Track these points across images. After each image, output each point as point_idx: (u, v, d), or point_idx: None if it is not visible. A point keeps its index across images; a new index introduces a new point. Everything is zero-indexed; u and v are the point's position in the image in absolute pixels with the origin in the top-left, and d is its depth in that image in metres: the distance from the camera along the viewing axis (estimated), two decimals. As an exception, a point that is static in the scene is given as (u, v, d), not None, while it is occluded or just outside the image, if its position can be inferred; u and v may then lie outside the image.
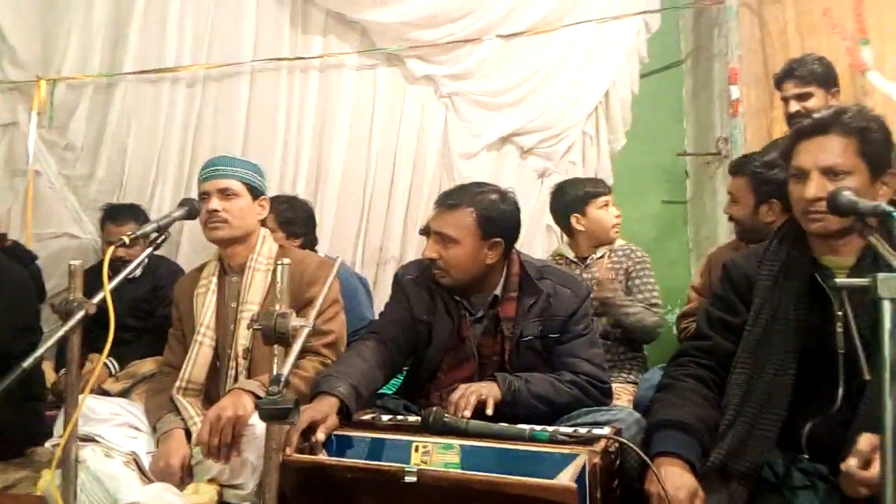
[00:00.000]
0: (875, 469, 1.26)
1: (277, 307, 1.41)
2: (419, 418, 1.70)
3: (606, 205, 2.82)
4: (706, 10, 3.90)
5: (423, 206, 3.69)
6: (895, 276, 1.12)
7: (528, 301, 1.93)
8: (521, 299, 1.94)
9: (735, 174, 2.31)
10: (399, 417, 1.84)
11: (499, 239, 1.93)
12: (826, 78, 2.66)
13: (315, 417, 1.61)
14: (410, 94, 3.86)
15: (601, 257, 2.80)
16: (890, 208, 1.30)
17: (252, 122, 3.75)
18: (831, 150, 1.52)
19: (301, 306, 1.84)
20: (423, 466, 1.48)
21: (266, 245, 2.12)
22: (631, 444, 1.52)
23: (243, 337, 1.98)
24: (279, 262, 1.46)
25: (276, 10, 3.78)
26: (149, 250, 1.73)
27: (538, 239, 3.85)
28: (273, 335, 1.38)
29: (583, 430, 1.61)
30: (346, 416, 1.72)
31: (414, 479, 1.41)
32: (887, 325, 1.11)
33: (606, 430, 1.60)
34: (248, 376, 1.96)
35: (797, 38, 3.24)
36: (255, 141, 3.72)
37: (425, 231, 2.02)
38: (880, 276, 1.11)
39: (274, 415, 1.23)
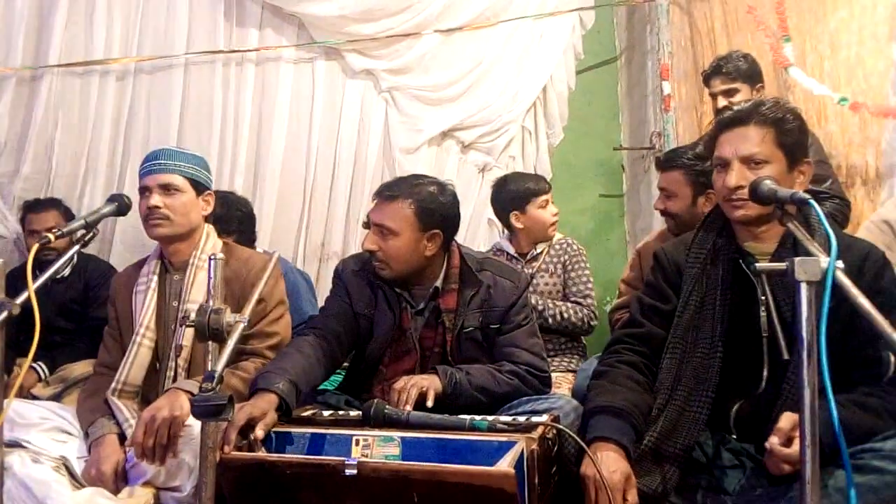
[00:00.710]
0: (796, 446, 1.32)
1: (212, 303, 1.38)
2: (360, 412, 1.70)
3: (546, 203, 2.85)
4: (638, 7, 4.01)
5: (364, 201, 3.68)
6: (812, 259, 1.17)
7: (468, 293, 1.94)
8: (461, 291, 1.95)
9: (667, 168, 2.34)
10: (340, 412, 1.83)
11: (438, 231, 1.93)
12: (751, 74, 2.76)
13: (253, 414, 1.58)
14: (350, 88, 3.83)
15: (540, 253, 2.84)
16: (806, 196, 1.36)
17: (186, 115, 3.65)
18: (751, 140, 1.58)
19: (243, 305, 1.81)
20: (363, 459, 1.48)
21: (210, 242, 2.06)
22: (568, 431, 1.55)
23: (182, 337, 1.93)
24: (212, 257, 1.42)
25: (211, 2, 3.69)
26: (76, 248, 1.67)
27: (480, 233, 3.88)
28: (207, 331, 1.36)
29: (522, 419, 1.63)
30: (285, 412, 1.69)
31: (354, 471, 1.41)
32: (804, 306, 1.16)
33: (545, 418, 1.63)
34: (188, 377, 1.92)
35: (724, 35, 3.36)
36: (190, 135, 3.62)
37: (368, 224, 2.01)
38: (797, 259, 1.16)
39: (208, 411, 1.21)
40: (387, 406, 1.65)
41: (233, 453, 1.50)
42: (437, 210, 1.93)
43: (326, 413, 1.81)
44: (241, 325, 1.37)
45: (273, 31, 3.79)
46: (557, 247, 2.86)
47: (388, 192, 1.94)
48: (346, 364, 2.14)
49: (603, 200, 4.21)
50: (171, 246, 2.02)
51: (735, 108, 1.67)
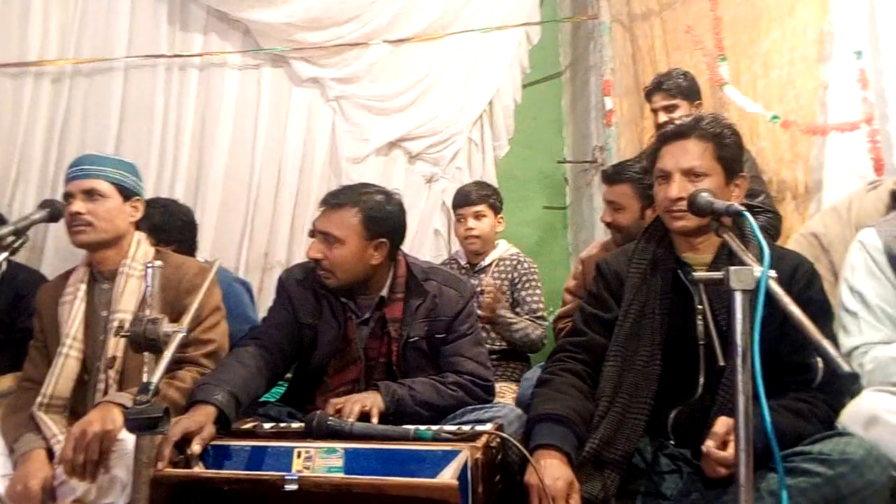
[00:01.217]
0: (731, 449, 1.36)
1: (148, 312, 1.34)
2: (302, 424, 1.67)
3: (462, 218, 2.89)
4: (583, 24, 4.11)
5: (310, 211, 3.64)
6: (746, 269, 1.21)
7: (414, 302, 1.94)
8: (407, 300, 1.94)
9: (615, 182, 2.38)
10: (282, 424, 1.79)
11: (384, 239, 1.93)
12: (690, 91, 2.85)
13: (189, 428, 1.53)
14: (297, 96, 3.80)
15: (489, 265, 2.85)
16: (741, 207, 1.41)
17: (126, 120, 3.56)
18: (691, 153, 1.63)
19: (178, 316, 1.75)
20: (304, 473, 1.45)
21: (141, 249, 2.00)
22: (511, 439, 1.56)
23: (113, 348, 1.86)
24: (148, 265, 1.38)
25: (153, 4, 3.62)
26: (4, 255, 1.60)
27: (427, 244, 3.89)
28: (143, 342, 1.31)
29: (466, 428, 1.63)
30: (224, 425, 1.65)
31: (295, 486, 1.38)
32: (738, 314, 1.20)
33: (489, 427, 1.63)
34: (120, 390, 1.85)
35: (664, 53, 3.46)
36: (129, 140, 3.54)
37: (313, 233, 1.99)
38: (732, 269, 1.20)
39: (142, 425, 1.17)
40: (330, 417, 1.62)
41: (166, 470, 1.45)
42: (383, 218, 1.93)
43: (268, 425, 1.77)
44: (180, 336, 1.33)
45: (218, 37, 3.74)
46: (507, 261, 2.86)
47: (335, 200, 1.93)
48: (289, 375, 2.10)
49: (547, 212, 4.28)
50: (97, 254, 1.96)
51: (677, 122, 1.72)
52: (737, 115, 2.90)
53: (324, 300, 1.96)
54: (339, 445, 1.52)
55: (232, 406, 1.67)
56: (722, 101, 3.04)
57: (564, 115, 4.38)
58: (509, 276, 2.81)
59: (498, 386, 2.62)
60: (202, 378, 1.79)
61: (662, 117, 2.84)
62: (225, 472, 1.50)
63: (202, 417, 1.59)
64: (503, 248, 2.92)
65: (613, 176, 2.38)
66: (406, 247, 3.67)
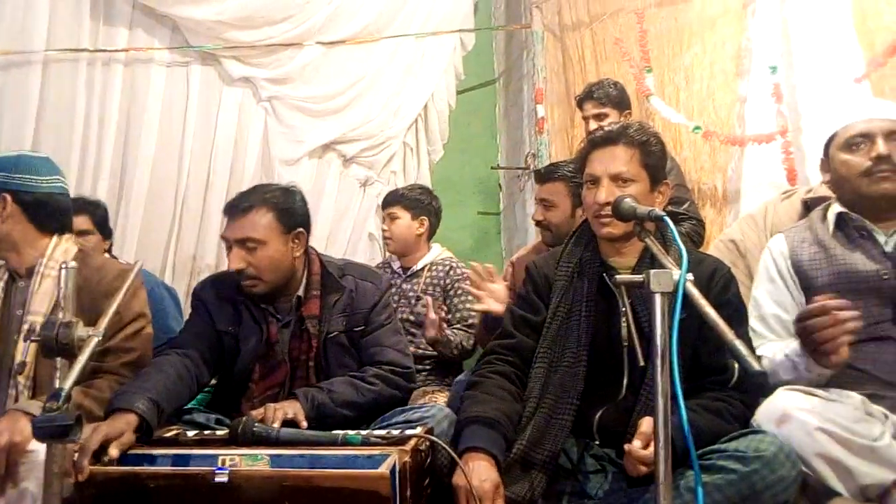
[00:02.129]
0: (652, 448, 1.40)
1: (61, 315, 1.27)
2: (227, 431, 1.62)
3: (384, 219, 2.90)
4: (516, 33, 4.17)
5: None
6: (665, 272, 1.24)
7: (332, 298, 1.94)
8: (324, 297, 1.94)
9: (547, 181, 2.42)
10: (206, 432, 1.74)
11: (301, 229, 1.93)
12: (620, 100, 2.94)
13: (109, 434, 1.47)
14: (227, 95, 3.72)
15: (421, 270, 2.84)
16: (661, 213, 1.45)
17: (44, 116, 3.41)
18: (619, 159, 1.68)
19: (97, 320, 1.67)
20: (234, 468, 1.42)
21: (60, 248, 1.90)
22: (440, 442, 1.56)
23: (22, 352, 1.76)
24: (63, 266, 1.32)
25: (75, -4, 3.47)
26: None
27: (361, 247, 3.87)
28: (55, 347, 1.25)
29: (396, 432, 1.62)
30: (146, 434, 1.59)
31: (225, 478, 1.36)
32: (658, 315, 1.23)
33: (419, 430, 1.63)
34: (33, 397, 1.75)
35: (594, 63, 3.56)
36: (48, 137, 3.39)
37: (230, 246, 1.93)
38: (652, 272, 1.23)
39: (51, 433, 1.11)
40: (256, 423, 1.59)
41: (90, 467, 1.40)
42: (294, 209, 1.94)
43: (191, 433, 1.72)
44: (95, 340, 1.27)
45: (144, 32, 3.63)
46: (440, 266, 2.84)
47: (243, 205, 1.90)
48: (213, 382, 2.05)
49: (481, 218, 4.32)
50: (6, 253, 1.86)
51: (605, 129, 1.77)
52: (661, 126, 3.01)
53: (242, 307, 1.94)
54: (265, 452, 1.49)
55: (154, 414, 1.61)
56: (648, 111, 3.15)
57: (498, 122, 4.44)
58: (441, 281, 2.80)
59: (431, 390, 2.63)
60: (121, 387, 1.72)
61: (593, 125, 2.90)
62: (152, 469, 1.46)
63: (122, 425, 1.53)
64: (436, 253, 2.90)
65: (546, 174, 2.42)
66: (340, 251, 3.70)
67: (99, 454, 1.46)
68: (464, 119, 4.22)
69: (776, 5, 2.73)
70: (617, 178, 1.67)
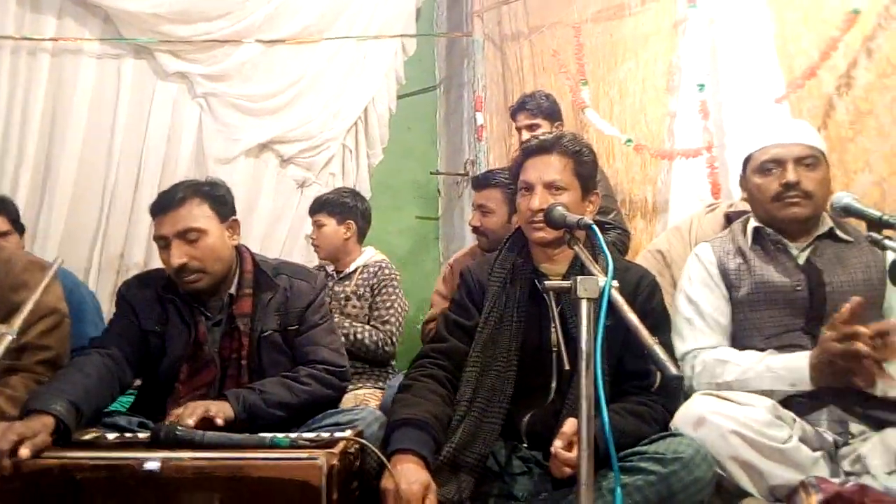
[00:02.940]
0: (576, 450, 1.43)
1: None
2: (149, 434, 1.58)
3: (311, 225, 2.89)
4: (458, 41, 4.22)
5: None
6: (591, 278, 1.28)
7: (265, 297, 1.92)
8: (257, 295, 1.92)
9: (484, 187, 2.45)
10: (128, 435, 1.69)
11: (236, 217, 1.94)
12: (551, 112, 3.01)
13: (23, 434, 1.41)
14: (161, 90, 3.63)
15: (353, 272, 2.83)
16: (590, 221, 1.50)
17: (-39, 105, 3.24)
18: (553, 167, 1.72)
19: (4, 314, 1.60)
20: (166, 456, 1.40)
21: None
22: (369, 444, 1.56)
23: None
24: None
25: (-2, -19, 3.32)
26: None
27: (297, 249, 3.83)
28: (-37, 344, 1.20)
29: (325, 434, 1.61)
30: (63, 437, 1.53)
31: (156, 466, 1.34)
32: (584, 320, 1.27)
33: (348, 433, 1.62)
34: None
35: (532, 74, 3.63)
36: (-34, 127, 3.22)
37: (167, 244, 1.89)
38: (579, 278, 1.27)
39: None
40: (179, 427, 1.55)
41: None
42: (224, 196, 1.94)
43: (112, 436, 1.66)
44: (9, 339, 1.23)
45: (74, 22, 3.51)
46: (371, 268, 2.84)
47: (179, 195, 1.87)
48: (138, 384, 1.99)
49: (420, 222, 4.34)
50: None
51: (540, 137, 1.81)
52: (595, 137, 3.09)
53: (170, 305, 1.89)
54: (189, 455, 1.45)
55: (72, 416, 1.56)
56: (583, 123, 3.23)
57: (439, 128, 4.47)
58: (370, 282, 2.81)
59: (363, 392, 2.62)
60: (38, 387, 1.65)
61: (525, 135, 2.96)
62: (79, 458, 1.41)
63: (38, 426, 1.47)
64: (368, 255, 2.89)
65: (483, 181, 2.47)
66: (276, 252, 3.65)
67: (11, 456, 1.40)
68: (404, 124, 4.23)
69: (705, 26, 2.84)
70: (550, 186, 1.71)
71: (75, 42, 3.48)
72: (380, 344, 2.69)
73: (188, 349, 1.87)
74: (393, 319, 2.75)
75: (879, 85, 2.30)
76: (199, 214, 1.86)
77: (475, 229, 2.50)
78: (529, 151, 1.78)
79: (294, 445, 1.52)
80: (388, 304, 2.77)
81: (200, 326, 1.88)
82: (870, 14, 2.31)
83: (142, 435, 1.66)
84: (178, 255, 1.82)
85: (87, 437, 1.64)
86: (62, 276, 2.10)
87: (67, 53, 3.48)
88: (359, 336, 2.66)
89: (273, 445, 1.53)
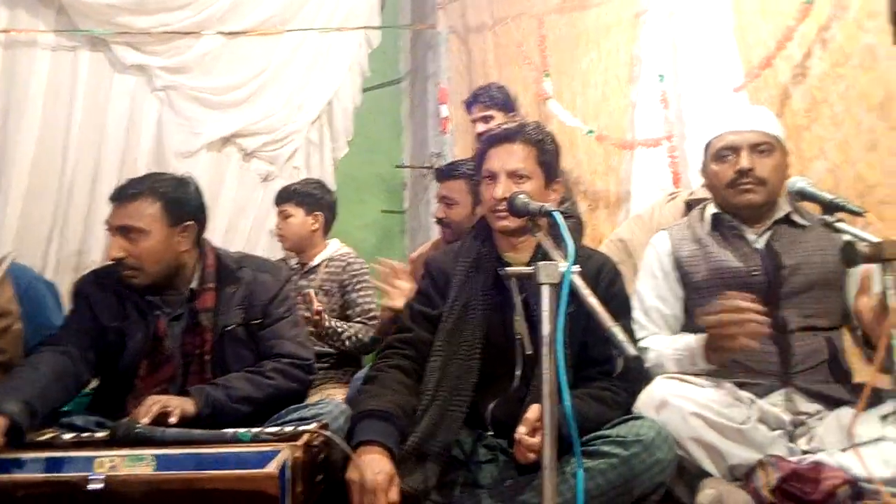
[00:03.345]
0: (540, 435, 1.44)
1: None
2: (108, 433, 1.55)
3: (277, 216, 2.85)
4: (422, 33, 4.21)
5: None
6: (552, 264, 1.29)
7: (229, 290, 1.89)
8: (220, 289, 1.89)
9: (448, 178, 2.44)
10: (85, 434, 1.65)
11: (190, 222, 1.87)
12: (505, 103, 3.05)
13: None
14: (119, 83, 3.55)
15: (318, 266, 2.81)
16: (552, 208, 1.51)
17: None
18: (516, 155, 1.72)
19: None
20: (111, 473, 1.35)
21: None
22: (333, 436, 1.55)
23: None
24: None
25: (-56, -31, 3.22)
26: None
27: (261, 243, 3.78)
28: None
29: (289, 428, 1.60)
30: (17, 438, 1.49)
31: (100, 485, 1.29)
32: (545, 306, 1.27)
33: (313, 426, 1.61)
34: None
35: (496, 66, 3.64)
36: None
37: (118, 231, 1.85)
38: (540, 264, 1.28)
39: None
40: (138, 424, 1.52)
41: None
42: (184, 201, 1.87)
43: (68, 435, 1.62)
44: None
45: (27, 13, 3.41)
46: (337, 262, 2.80)
47: (131, 191, 1.83)
48: (94, 385, 1.95)
49: (385, 216, 4.33)
50: None
51: (503, 126, 1.81)
52: (558, 128, 3.11)
53: (128, 301, 1.86)
54: (148, 452, 1.43)
55: (26, 416, 1.52)
56: (546, 114, 3.25)
57: (404, 121, 4.47)
58: (339, 277, 2.77)
59: (330, 388, 2.60)
60: (-10, 387, 1.61)
61: (480, 127, 3.01)
62: (18, 477, 1.37)
63: (-10, 428, 1.43)
64: (333, 248, 2.87)
65: (447, 172, 2.45)
66: (239, 246, 3.60)
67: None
68: (369, 117, 4.21)
69: (664, 17, 2.88)
70: (514, 175, 1.71)
71: (28, 34, 3.38)
72: (371, 340, 2.67)
73: (147, 345, 1.83)
74: (378, 313, 2.72)
75: (833, 74, 2.35)
76: (145, 214, 1.81)
77: (439, 221, 2.48)
78: (493, 140, 1.78)
79: (257, 440, 1.51)
80: (370, 299, 2.74)
81: (160, 321, 1.84)
82: (824, 4, 2.36)
83: (99, 434, 1.63)
84: (115, 249, 1.80)
85: (43, 437, 1.60)
86: (17, 273, 2.05)
87: (20, 46, 3.39)
88: (362, 339, 2.64)
89: (236, 440, 1.51)
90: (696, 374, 1.68)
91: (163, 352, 1.84)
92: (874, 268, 1.55)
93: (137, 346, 1.83)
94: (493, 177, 1.74)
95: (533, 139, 1.74)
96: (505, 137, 1.75)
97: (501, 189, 1.69)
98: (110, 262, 1.85)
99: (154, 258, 1.81)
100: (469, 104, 3.08)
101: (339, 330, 2.61)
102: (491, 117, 2.98)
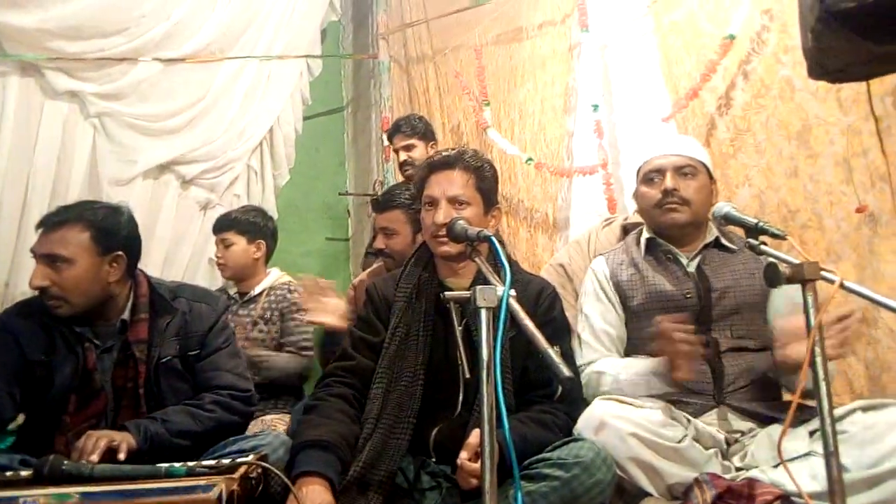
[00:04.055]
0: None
1: None
2: (33, 471, 1.48)
3: (216, 245, 2.81)
4: (364, 62, 4.24)
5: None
6: (490, 287, 1.30)
7: (163, 321, 1.85)
8: (154, 320, 1.84)
9: (387, 209, 2.42)
10: (8, 473, 1.57)
11: (120, 252, 1.82)
12: (425, 132, 3.16)
13: None
14: (50, 109, 3.44)
15: (259, 295, 2.76)
16: (489, 233, 1.53)
17: None
18: (456, 182, 1.75)
19: None
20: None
21: None
22: (272, 468, 1.52)
23: None
24: None
25: None
26: None
27: (201, 272, 3.70)
28: None
29: (227, 461, 1.55)
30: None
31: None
32: (483, 330, 1.28)
33: (251, 457, 1.57)
34: None
35: (437, 95, 3.70)
36: None
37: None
38: (478, 288, 1.28)
39: None
40: (65, 461, 1.46)
41: None
42: (115, 229, 1.82)
43: (-9, 475, 1.54)
44: None
45: (-48, 37, 3.27)
46: (278, 291, 2.77)
47: (56, 219, 1.78)
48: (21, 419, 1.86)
49: (329, 244, 4.29)
50: None
51: (443, 153, 1.83)
52: (498, 157, 3.17)
53: (56, 333, 1.79)
54: (75, 490, 1.37)
55: (-60, 457, 1.44)
56: (485, 142, 3.31)
57: (347, 149, 4.47)
58: (279, 306, 2.74)
59: (270, 418, 2.55)
60: None
61: (403, 156, 3.11)
62: None
63: None
64: (275, 277, 2.83)
65: (384, 203, 2.43)
66: (178, 275, 3.52)
67: None
68: (311, 144, 4.20)
69: (597, 50, 2.99)
70: (454, 201, 1.73)
71: (-47, 58, 3.26)
72: (306, 368, 2.65)
73: (76, 379, 1.77)
74: (311, 342, 2.70)
75: (755, 105, 2.48)
76: (72, 242, 1.75)
77: (380, 252, 2.46)
78: (433, 167, 1.80)
79: (192, 473, 1.46)
80: (303, 328, 2.71)
81: (89, 354, 1.78)
82: (744, 39, 2.49)
83: (24, 472, 1.55)
84: (39, 278, 1.74)
85: (-38, 478, 1.51)
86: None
87: (-57, 70, 3.26)
88: (288, 368, 2.60)
89: (169, 475, 1.46)
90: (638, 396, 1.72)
91: (93, 386, 1.77)
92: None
93: (66, 380, 1.76)
94: (433, 203, 1.76)
95: (472, 166, 1.77)
96: (445, 164, 1.78)
97: (443, 214, 1.71)
98: (35, 296, 1.78)
99: (80, 288, 1.75)
100: (391, 134, 3.18)
101: (262, 358, 2.57)
102: (413, 146, 3.09)
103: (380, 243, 2.44)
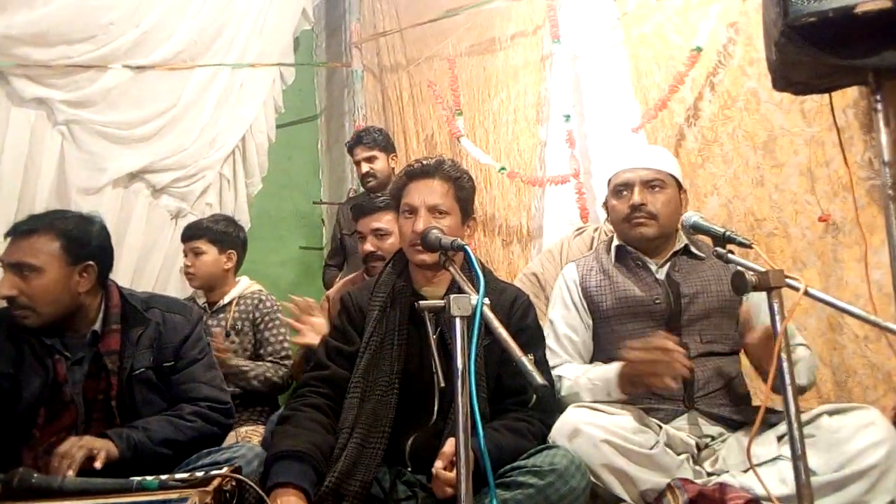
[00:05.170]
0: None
1: None
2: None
3: (185, 253, 2.77)
4: (338, 71, 4.24)
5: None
6: (464, 296, 1.31)
7: (135, 332, 1.82)
8: (126, 331, 1.81)
9: (375, 211, 2.40)
10: (-25, 489, 1.54)
11: (91, 262, 1.79)
12: (386, 145, 3.22)
13: None
14: (16, 116, 3.36)
15: (228, 305, 2.73)
16: (463, 243, 1.55)
17: None
18: (436, 191, 1.75)
19: None
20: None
21: None
22: (246, 480, 1.51)
23: None
24: None
25: None
26: None
27: (172, 282, 3.64)
28: None
29: (200, 473, 1.54)
30: None
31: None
32: (458, 337, 1.29)
33: (225, 470, 1.56)
34: None
35: (411, 104, 3.71)
36: None
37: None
38: (452, 297, 1.30)
39: None
40: (35, 474, 1.43)
41: None
42: (86, 239, 1.79)
43: (-45, 493, 1.50)
44: None
45: (-87, 42, 3.19)
46: (248, 300, 2.74)
47: (25, 227, 1.75)
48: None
49: (304, 252, 4.27)
50: None
51: (423, 161, 1.83)
52: (472, 166, 3.20)
53: (24, 344, 1.75)
54: (44, 505, 1.35)
55: None
56: (459, 151, 3.33)
57: (321, 157, 4.46)
58: (250, 315, 2.70)
59: (244, 430, 2.52)
60: None
61: (365, 167, 3.14)
62: None
63: None
64: (244, 286, 2.79)
65: (371, 205, 2.40)
66: (150, 285, 3.47)
67: None
68: (284, 153, 4.18)
69: (568, 61, 3.03)
70: (433, 210, 1.74)
71: (-85, 64, 3.19)
72: (285, 379, 2.62)
73: (45, 391, 1.73)
74: (290, 353, 2.68)
75: (722, 116, 2.54)
76: (42, 251, 1.72)
77: (370, 255, 2.43)
78: (412, 175, 1.80)
79: (164, 487, 1.45)
80: (281, 338, 2.68)
81: (59, 366, 1.75)
82: (711, 52, 2.55)
83: (-8, 488, 1.52)
84: (7, 287, 1.71)
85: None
86: None
87: None
88: (270, 378, 2.57)
89: (141, 489, 1.44)
90: (606, 402, 1.74)
91: (62, 398, 1.74)
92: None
93: (35, 392, 1.73)
94: (412, 211, 1.76)
95: (452, 176, 1.78)
96: (424, 173, 1.79)
97: (422, 223, 1.71)
98: (1, 307, 1.74)
99: (48, 298, 1.72)
100: (351, 146, 3.22)
101: (245, 369, 2.54)
102: (374, 157, 3.15)
103: (371, 246, 2.40)
